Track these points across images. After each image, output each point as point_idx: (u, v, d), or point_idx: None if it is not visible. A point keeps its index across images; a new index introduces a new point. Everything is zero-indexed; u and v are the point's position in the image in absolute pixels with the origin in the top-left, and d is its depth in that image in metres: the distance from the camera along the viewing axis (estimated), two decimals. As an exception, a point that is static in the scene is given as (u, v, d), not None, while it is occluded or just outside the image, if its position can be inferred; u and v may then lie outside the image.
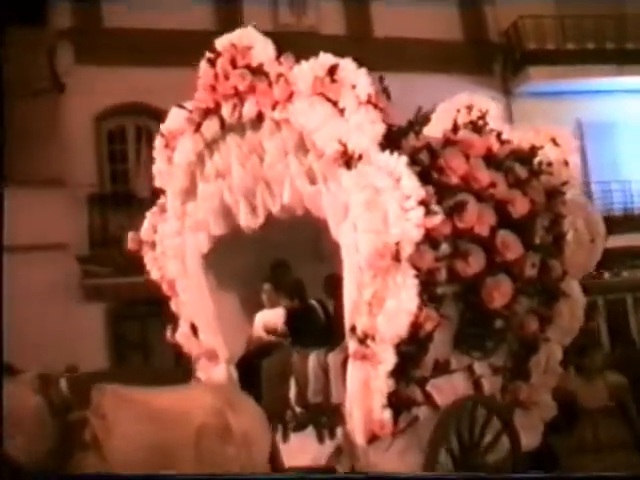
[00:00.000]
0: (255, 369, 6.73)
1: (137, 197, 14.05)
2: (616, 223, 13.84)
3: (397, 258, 5.79)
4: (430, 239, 5.92)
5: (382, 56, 16.00)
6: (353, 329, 6.05)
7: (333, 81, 6.09)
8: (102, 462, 4.71)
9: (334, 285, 6.56)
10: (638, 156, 18.55)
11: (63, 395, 4.82)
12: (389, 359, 5.92)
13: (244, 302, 7.30)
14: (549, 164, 7.22)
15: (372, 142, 5.95)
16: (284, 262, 7.43)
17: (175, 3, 15.37)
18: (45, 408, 4.73)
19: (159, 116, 7.69)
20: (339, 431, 6.24)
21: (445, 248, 6.07)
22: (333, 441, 6.29)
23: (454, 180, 6.19)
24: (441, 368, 6.39)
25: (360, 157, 5.96)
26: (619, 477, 5.84)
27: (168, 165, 7.08)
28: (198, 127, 6.83)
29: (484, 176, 6.41)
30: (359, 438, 5.97)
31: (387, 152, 5.91)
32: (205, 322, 7.10)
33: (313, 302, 7.05)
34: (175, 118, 7.02)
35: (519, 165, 6.89)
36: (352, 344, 6.05)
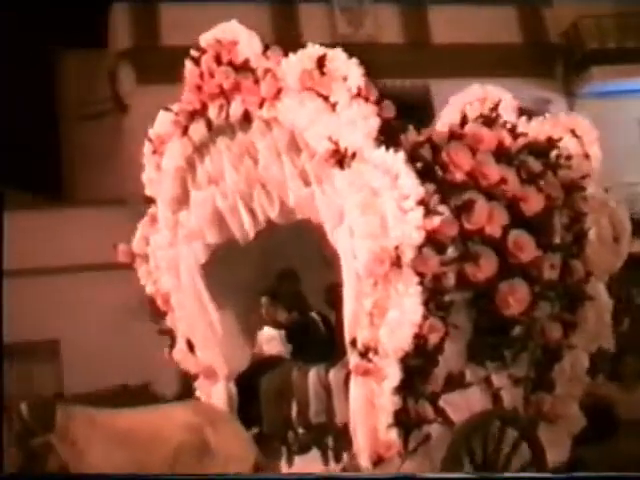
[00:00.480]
0: (255, 387, 6.30)
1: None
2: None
3: (397, 264, 5.35)
4: (435, 242, 5.46)
5: (441, 63, 15.90)
6: (354, 342, 5.61)
7: (323, 74, 5.66)
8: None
9: (335, 295, 6.09)
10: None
11: (25, 420, 4.45)
12: (394, 374, 5.48)
13: (245, 315, 6.88)
14: (568, 157, 6.75)
15: (366, 138, 5.50)
16: (291, 271, 6.99)
17: (231, 17, 15.18)
18: (5, 434, 4.38)
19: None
20: (345, 453, 5.79)
21: (452, 251, 5.60)
22: (339, 464, 5.86)
23: (459, 177, 5.72)
24: (455, 381, 5.98)
25: (354, 155, 5.51)
26: (619, 477, 5.67)
27: (157, 172, 6.68)
28: (185, 130, 6.43)
29: (493, 172, 5.94)
30: (364, 460, 5.53)
31: (383, 148, 5.44)
32: (202, 338, 6.69)
33: (313, 314, 6.60)
34: (163, 122, 6.61)
35: (533, 159, 6.44)
36: (353, 358, 5.59)
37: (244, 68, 6.04)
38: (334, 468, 5.87)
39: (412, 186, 5.34)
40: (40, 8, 16.38)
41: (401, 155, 5.42)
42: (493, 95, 7.45)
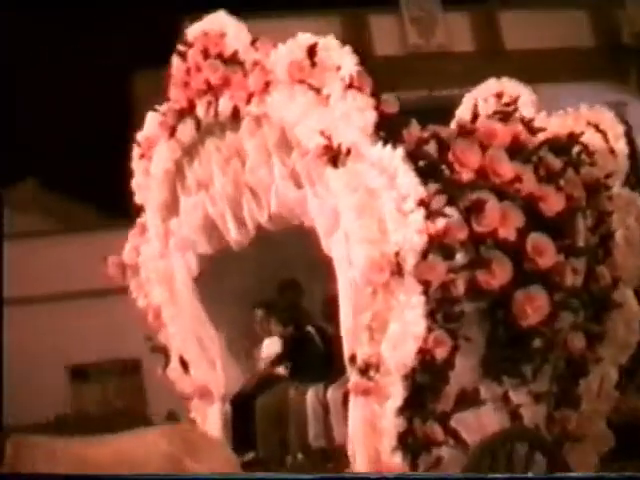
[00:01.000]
0: (250, 408, 5.83)
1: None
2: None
3: (398, 271, 4.88)
4: (441, 247, 4.97)
5: (514, 69, 15.59)
6: (353, 359, 5.14)
7: (314, 64, 5.20)
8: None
9: (333, 308, 5.60)
10: None
11: None
12: (397, 393, 5.03)
13: (243, 330, 6.46)
14: (590, 153, 6.24)
15: (361, 133, 5.04)
16: (293, 282, 6.53)
17: (303, 31, 15.05)
18: None
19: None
20: None
21: (462, 257, 5.11)
22: (341, 491, 5.36)
23: (467, 175, 5.23)
24: (468, 399, 5.54)
25: (348, 152, 5.04)
26: (619, 477, 5.52)
27: (146, 178, 6.25)
28: (173, 131, 6.02)
29: (507, 169, 5.46)
30: (365, 486, 5.03)
31: (380, 144, 4.95)
32: (196, 355, 6.29)
33: (310, 329, 6.13)
34: (150, 123, 6.19)
35: (553, 156, 5.94)
36: (353, 376, 5.10)
37: (232, 61, 5.64)
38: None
39: (411, 185, 4.87)
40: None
41: (399, 151, 4.95)
42: (510, 90, 6.96)
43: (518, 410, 5.74)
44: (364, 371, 5.05)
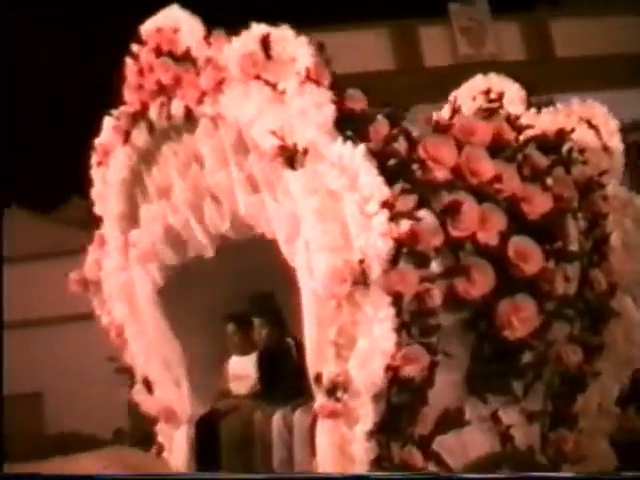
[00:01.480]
0: (215, 432, 5.40)
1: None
2: None
3: (363, 281, 4.41)
4: (413, 253, 4.52)
5: (566, 76, 15.44)
6: (318, 378, 4.69)
7: (268, 57, 4.77)
8: None
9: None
10: None
11: None
12: (368, 415, 4.56)
13: (211, 347, 6.02)
14: (582, 150, 5.81)
15: (320, 130, 4.59)
16: (266, 294, 6.08)
17: (352, 44, 14.72)
18: None
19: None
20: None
21: (437, 264, 4.66)
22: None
23: (442, 174, 4.77)
24: (451, 420, 5.06)
25: (306, 151, 4.59)
26: (618, 477, 5.21)
27: (104, 186, 5.85)
28: (127, 136, 5.60)
29: (486, 168, 5.01)
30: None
31: (339, 141, 4.52)
32: (160, 374, 5.85)
33: (289, 340, 5.69)
34: (105, 129, 5.80)
35: (539, 153, 5.48)
36: (319, 397, 4.66)
37: (185, 58, 5.20)
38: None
39: (374, 185, 4.42)
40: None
41: (361, 148, 4.50)
42: (497, 86, 6.56)
43: (509, 431, 5.26)
44: (331, 391, 4.56)
